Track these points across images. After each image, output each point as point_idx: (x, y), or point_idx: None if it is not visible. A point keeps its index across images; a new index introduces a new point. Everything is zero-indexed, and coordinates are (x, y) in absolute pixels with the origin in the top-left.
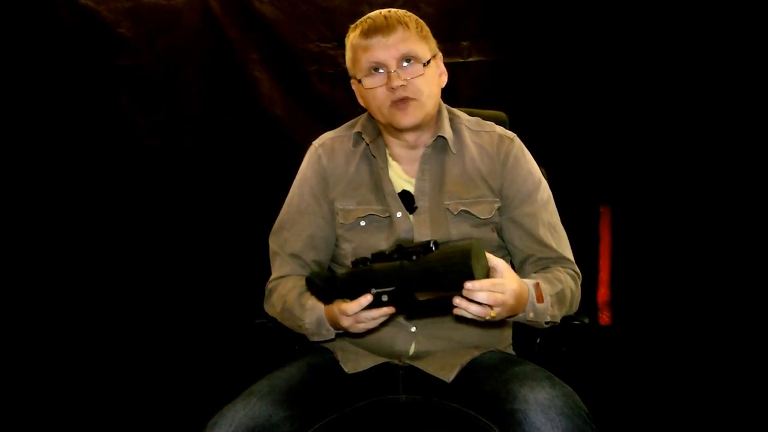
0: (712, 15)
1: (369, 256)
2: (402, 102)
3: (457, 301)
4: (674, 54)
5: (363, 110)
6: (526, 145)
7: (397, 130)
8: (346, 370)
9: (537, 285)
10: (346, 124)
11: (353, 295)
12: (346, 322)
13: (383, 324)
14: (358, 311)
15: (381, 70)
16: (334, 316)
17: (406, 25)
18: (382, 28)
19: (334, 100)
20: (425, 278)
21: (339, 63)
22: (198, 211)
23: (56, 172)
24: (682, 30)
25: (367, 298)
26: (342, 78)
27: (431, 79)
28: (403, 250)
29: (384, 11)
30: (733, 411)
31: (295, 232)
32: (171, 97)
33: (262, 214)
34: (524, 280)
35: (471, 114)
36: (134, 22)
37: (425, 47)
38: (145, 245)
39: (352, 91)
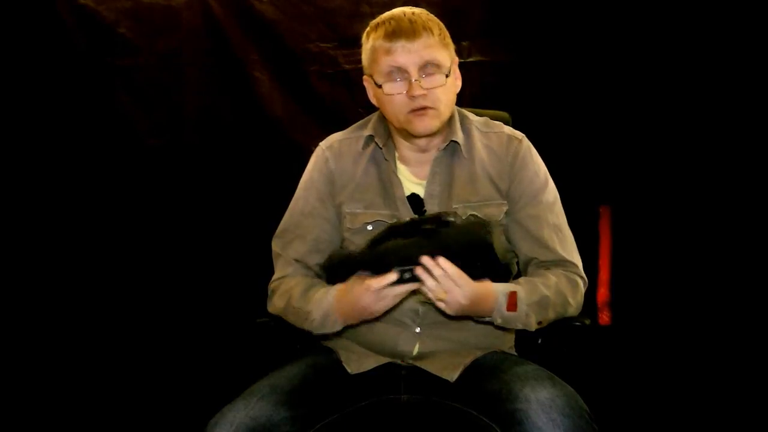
0: (712, 14)
1: (384, 228)
2: (421, 111)
3: (419, 271)
4: (674, 53)
5: (364, 110)
6: None
7: (411, 136)
8: (349, 370)
9: (512, 294)
10: (355, 125)
11: (374, 274)
12: (367, 299)
13: (387, 324)
14: (383, 287)
15: (400, 75)
16: (351, 299)
17: (431, 31)
18: (407, 33)
19: (334, 100)
20: (445, 253)
21: (339, 63)
22: (198, 210)
23: (56, 173)
24: (682, 30)
25: (392, 276)
26: (342, 78)
27: (450, 87)
28: (417, 225)
29: (408, 12)
30: (733, 410)
31: (300, 235)
32: (171, 97)
33: (263, 214)
34: (499, 286)
35: (478, 114)
36: (134, 22)
37: (446, 54)
38: (145, 245)
39: (352, 91)
